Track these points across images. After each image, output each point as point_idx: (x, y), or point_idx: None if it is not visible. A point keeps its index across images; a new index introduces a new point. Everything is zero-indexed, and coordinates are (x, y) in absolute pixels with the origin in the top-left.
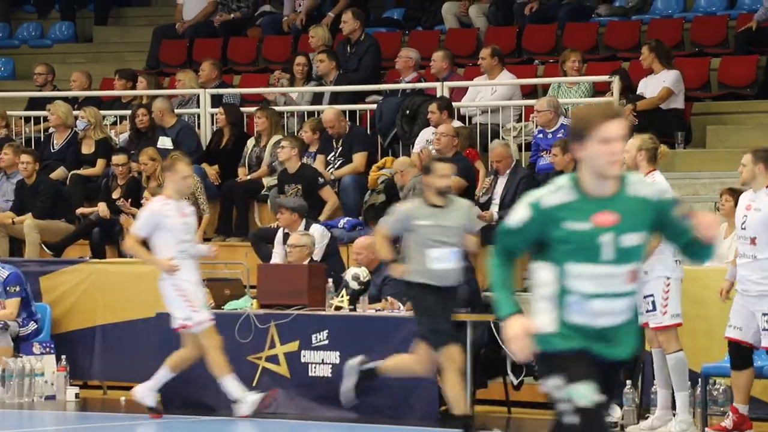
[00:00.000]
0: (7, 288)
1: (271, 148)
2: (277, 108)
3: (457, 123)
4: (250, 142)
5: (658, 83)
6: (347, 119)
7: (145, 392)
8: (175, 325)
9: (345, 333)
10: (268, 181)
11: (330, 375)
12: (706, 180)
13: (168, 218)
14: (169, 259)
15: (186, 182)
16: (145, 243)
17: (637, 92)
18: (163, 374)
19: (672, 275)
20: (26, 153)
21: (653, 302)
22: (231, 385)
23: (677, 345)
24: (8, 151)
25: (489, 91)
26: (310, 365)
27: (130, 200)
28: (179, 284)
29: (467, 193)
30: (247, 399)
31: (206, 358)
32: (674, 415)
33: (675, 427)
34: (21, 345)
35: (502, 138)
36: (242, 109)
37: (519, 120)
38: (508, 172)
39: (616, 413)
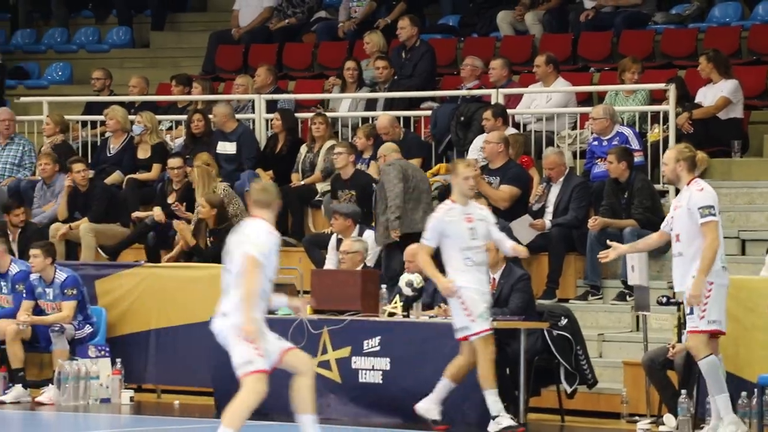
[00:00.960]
0: (65, 291)
1: (324, 154)
2: (332, 114)
3: (511, 130)
4: (304, 147)
5: (717, 93)
6: (401, 125)
7: (429, 406)
8: (457, 336)
9: (397, 340)
10: (321, 187)
11: (380, 381)
12: (764, 189)
13: (452, 224)
14: (449, 281)
15: (468, 183)
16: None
17: (696, 101)
18: (444, 386)
19: (716, 281)
20: (79, 162)
21: (693, 306)
22: (492, 400)
23: (707, 350)
24: (48, 161)
25: (544, 99)
26: (360, 371)
27: (184, 204)
28: (461, 293)
29: (521, 200)
30: (503, 421)
31: (477, 368)
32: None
33: (724, 430)
34: (77, 348)
35: (557, 145)
36: (297, 114)
37: (574, 127)
38: (561, 179)
39: (670, 422)
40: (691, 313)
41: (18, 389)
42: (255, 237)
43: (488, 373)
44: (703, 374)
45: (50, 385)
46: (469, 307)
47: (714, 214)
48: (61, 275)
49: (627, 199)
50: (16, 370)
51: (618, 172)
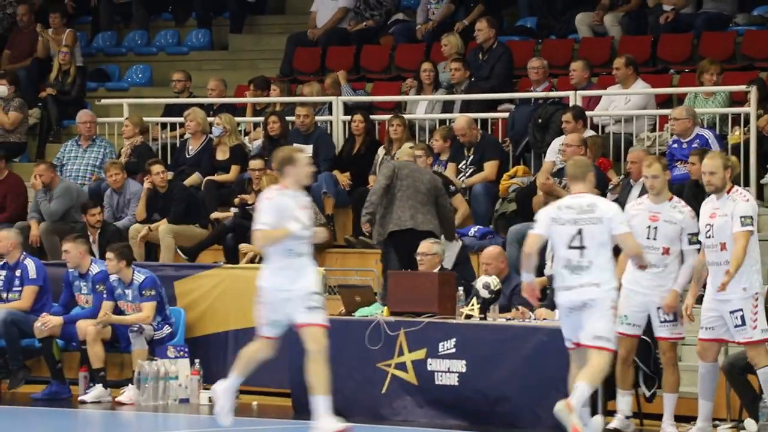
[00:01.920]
0: (143, 292)
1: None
2: (408, 116)
3: (589, 132)
4: (381, 149)
5: None
6: (479, 127)
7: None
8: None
9: (473, 342)
10: None
11: (456, 383)
12: None
13: (634, 219)
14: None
15: (648, 182)
16: None
17: None
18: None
19: (759, 291)
20: (158, 163)
21: (742, 317)
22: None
23: (766, 359)
24: (117, 170)
25: (623, 101)
26: (436, 373)
27: None
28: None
29: None
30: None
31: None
32: None
33: None
34: (156, 348)
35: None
36: (373, 117)
37: (653, 130)
38: (641, 180)
39: (751, 427)
40: (743, 324)
41: (99, 389)
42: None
43: (616, 373)
44: (762, 383)
45: (130, 385)
46: (619, 306)
47: (751, 225)
48: (139, 276)
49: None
50: (97, 369)
51: (699, 174)
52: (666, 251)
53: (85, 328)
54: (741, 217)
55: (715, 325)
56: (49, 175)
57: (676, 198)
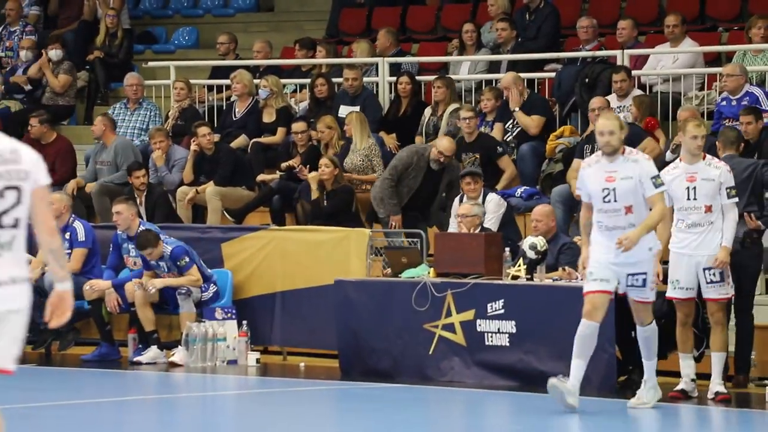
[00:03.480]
0: (177, 263)
1: (447, 117)
2: (455, 77)
3: (637, 91)
4: (428, 111)
5: None
6: (525, 87)
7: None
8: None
9: (521, 302)
10: None
11: (507, 344)
12: None
13: (672, 182)
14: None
15: (696, 142)
16: None
17: None
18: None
19: (659, 250)
20: (204, 125)
21: (644, 280)
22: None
23: (652, 316)
24: (161, 137)
25: (670, 60)
26: (486, 334)
27: (308, 167)
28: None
29: None
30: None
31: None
32: None
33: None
34: (203, 310)
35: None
36: (419, 78)
37: (701, 88)
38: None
39: None
40: (644, 286)
41: (154, 350)
42: None
43: (677, 336)
44: (642, 340)
45: (179, 346)
46: (670, 270)
47: (663, 184)
48: (167, 248)
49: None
50: (150, 332)
51: (754, 133)
52: (708, 209)
53: (134, 291)
54: (653, 178)
55: (609, 281)
56: (102, 127)
57: (708, 155)
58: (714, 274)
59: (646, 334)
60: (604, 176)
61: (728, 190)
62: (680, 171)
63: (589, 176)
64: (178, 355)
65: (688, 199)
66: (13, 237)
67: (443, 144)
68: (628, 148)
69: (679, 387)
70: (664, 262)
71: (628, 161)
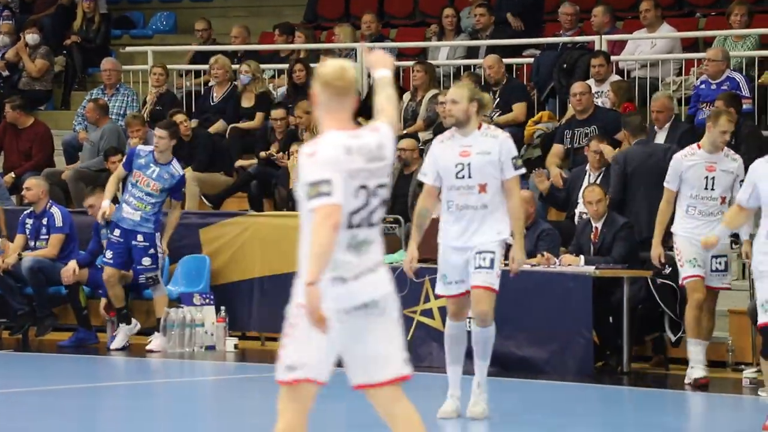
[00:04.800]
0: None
1: (426, 103)
2: (433, 62)
3: (615, 77)
4: (406, 96)
5: None
6: (505, 72)
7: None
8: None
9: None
10: (423, 136)
11: None
12: None
13: (690, 169)
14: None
15: (724, 137)
16: None
17: None
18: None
19: (507, 235)
20: (180, 113)
21: (492, 260)
22: (691, 349)
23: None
24: (138, 125)
25: (648, 45)
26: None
27: (287, 153)
28: (676, 240)
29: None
30: (693, 373)
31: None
32: None
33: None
34: (181, 296)
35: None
36: (397, 63)
37: (679, 74)
38: (667, 126)
39: None
40: (491, 267)
41: (122, 330)
42: None
43: (689, 321)
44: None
45: (155, 333)
46: (681, 252)
47: (523, 166)
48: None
49: (734, 147)
50: (118, 309)
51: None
52: (723, 200)
53: (112, 272)
54: (513, 159)
55: (465, 278)
56: (94, 115)
57: (725, 147)
58: (720, 263)
59: (486, 336)
60: (458, 150)
61: (742, 183)
62: (699, 159)
63: (442, 152)
64: (155, 342)
65: (706, 188)
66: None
67: (402, 143)
68: (485, 124)
69: (698, 375)
70: (669, 248)
71: (486, 136)
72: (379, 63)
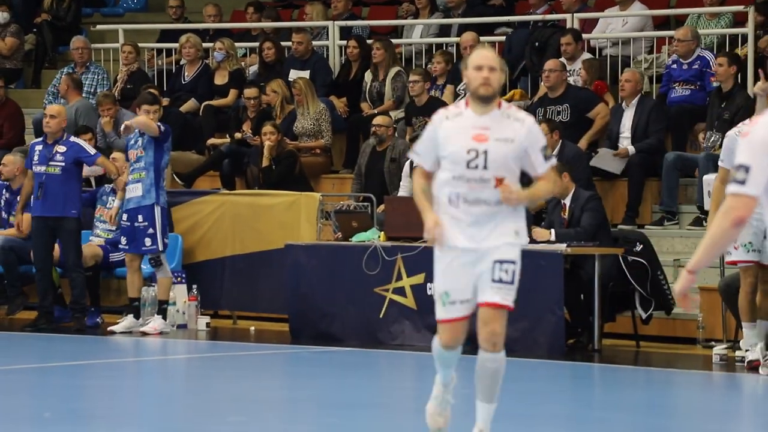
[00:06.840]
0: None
1: (391, 81)
2: (405, 41)
3: (587, 55)
4: (368, 75)
5: None
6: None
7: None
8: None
9: None
10: (395, 114)
11: None
12: None
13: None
14: None
15: None
16: None
17: None
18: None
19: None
20: (152, 88)
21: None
22: (745, 333)
23: None
24: (109, 104)
25: (620, 23)
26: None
27: (260, 133)
28: None
29: (590, 125)
30: (750, 355)
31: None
32: None
33: None
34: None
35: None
36: (370, 41)
37: (650, 52)
38: (635, 102)
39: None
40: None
41: (129, 319)
42: None
43: (743, 306)
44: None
45: (155, 315)
46: None
47: (555, 157)
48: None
49: (728, 109)
50: (131, 299)
51: (726, 76)
52: None
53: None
54: (543, 149)
55: (472, 296)
56: (65, 86)
57: None
58: None
59: (495, 365)
60: (471, 133)
61: None
62: None
63: (449, 133)
64: (153, 323)
65: None
66: None
67: (377, 119)
68: (504, 102)
69: (753, 356)
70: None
71: (508, 118)
72: None
